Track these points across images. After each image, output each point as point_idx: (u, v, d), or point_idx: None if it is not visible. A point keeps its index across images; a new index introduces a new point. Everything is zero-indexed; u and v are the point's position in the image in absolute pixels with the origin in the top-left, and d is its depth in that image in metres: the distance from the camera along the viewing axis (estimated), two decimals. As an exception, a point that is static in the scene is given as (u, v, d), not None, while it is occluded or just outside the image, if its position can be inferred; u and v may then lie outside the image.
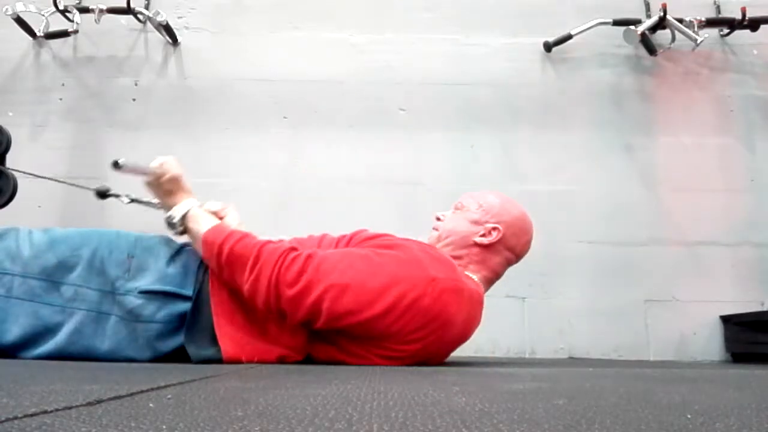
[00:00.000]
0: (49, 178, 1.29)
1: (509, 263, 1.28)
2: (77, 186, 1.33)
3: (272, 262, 1.07)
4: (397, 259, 1.10)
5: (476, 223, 1.24)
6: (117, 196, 1.24)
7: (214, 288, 1.14)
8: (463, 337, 1.18)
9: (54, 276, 1.12)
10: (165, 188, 1.21)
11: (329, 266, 1.08)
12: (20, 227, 1.20)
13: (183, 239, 1.26)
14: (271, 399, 0.51)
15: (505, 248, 1.25)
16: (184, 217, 1.19)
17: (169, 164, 1.21)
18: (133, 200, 1.27)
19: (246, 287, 1.08)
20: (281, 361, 1.13)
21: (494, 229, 1.23)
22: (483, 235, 1.23)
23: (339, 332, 1.11)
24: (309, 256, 1.08)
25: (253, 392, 0.57)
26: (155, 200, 1.26)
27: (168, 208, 1.21)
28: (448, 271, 1.11)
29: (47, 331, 1.10)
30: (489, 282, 1.26)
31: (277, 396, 0.54)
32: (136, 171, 1.19)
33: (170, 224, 1.20)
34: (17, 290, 1.11)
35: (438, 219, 1.31)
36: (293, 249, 1.10)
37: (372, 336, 1.10)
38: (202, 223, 1.17)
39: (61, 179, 1.33)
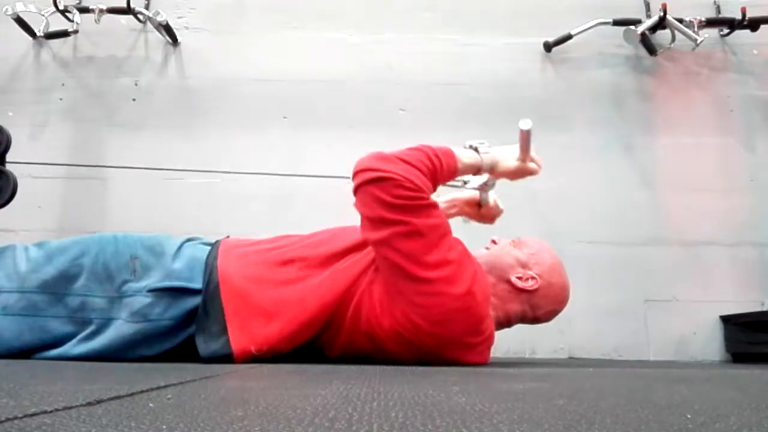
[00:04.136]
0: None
1: (524, 318, 1.26)
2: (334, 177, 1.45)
3: (406, 172, 1.08)
4: (461, 254, 1.13)
5: (521, 264, 1.23)
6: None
7: (223, 278, 1.13)
8: (451, 359, 1.16)
9: (56, 288, 1.12)
10: (509, 175, 1.25)
11: (427, 213, 1.10)
12: (17, 244, 1.20)
13: (184, 236, 1.27)
14: (271, 399, 0.51)
15: (529, 303, 1.23)
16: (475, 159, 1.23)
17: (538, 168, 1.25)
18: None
19: (376, 155, 1.11)
20: (290, 344, 1.13)
21: (533, 278, 1.22)
22: (519, 278, 1.22)
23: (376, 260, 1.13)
24: (435, 204, 1.12)
25: (253, 392, 0.57)
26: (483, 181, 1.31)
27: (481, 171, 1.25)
28: (483, 297, 1.13)
29: (55, 342, 1.10)
30: (499, 324, 1.25)
31: (277, 396, 0.54)
32: (525, 144, 1.21)
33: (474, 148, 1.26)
34: (14, 307, 1.10)
35: (493, 242, 1.31)
36: (430, 200, 1.11)
37: (390, 287, 1.11)
38: (462, 159, 1.22)
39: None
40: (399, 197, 1.07)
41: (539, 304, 1.23)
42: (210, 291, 1.12)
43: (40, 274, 1.12)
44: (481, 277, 1.15)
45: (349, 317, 1.14)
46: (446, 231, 1.13)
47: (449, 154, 1.19)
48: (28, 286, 1.11)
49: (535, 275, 1.22)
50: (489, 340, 1.19)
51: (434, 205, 1.12)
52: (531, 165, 1.23)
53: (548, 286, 1.22)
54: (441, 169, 1.15)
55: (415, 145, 1.16)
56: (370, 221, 1.11)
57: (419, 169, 1.11)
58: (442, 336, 1.10)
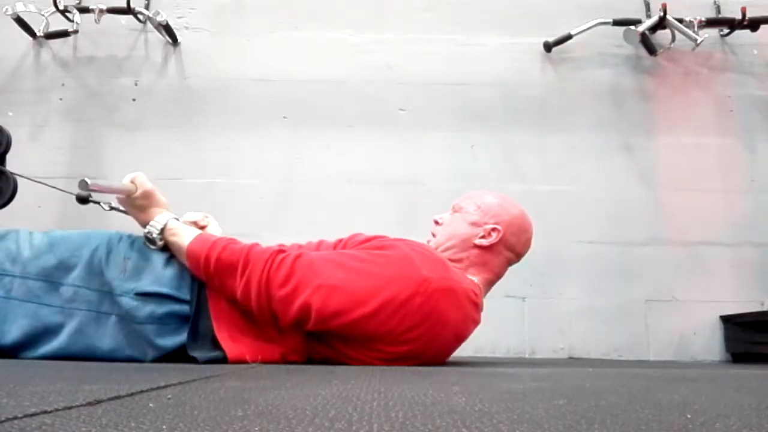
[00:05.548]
0: (26, 177, 1.29)
1: (510, 263, 1.28)
2: (58, 189, 1.32)
3: (261, 265, 1.07)
4: (388, 259, 1.10)
5: (475, 224, 1.23)
6: (97, 202, 1.22)
7: (211, 292, 1.14)
8: (458, 337, 1.17)
9: (53, 277, 1.12)
10: (138, 204, 1.19)
11: (318, 267, 1.08)
12: (20, 229, 1.20)
13: None
14: (271, 399, 0.51)
15: (506, 248, 1.24)
16: (163, 231, 1.16)
17: (141, 180, 1.20)
18: (112, 208, 1.24)
19: (238, 292, 1.09)
20: (284, 361, 1.13)
21: (494, 229, 1.22)
22: (483, 237, 1.22)
23: (332, 334, 1.11)
24: (297, 257, 1.09)
25: (253, 392, 0.57)
26: None
27: (144, 224, 1.19)
28: (440, 271, 1.11)
29: (48, 331, 1.10)
30: (490, 283, 1.26)
31: (277, 396, 0.54)
32: (106, 190, 1.17)
33: (150, 240, 1.17)
34: (17, 291, 1.11)
35: (436, 223, 1.30)
36: (281, 251, 1.10)
37: (363, 337, 1.09)
38: (183, 236, 1.15)
39: (39, 180, 1.31)
40: (278, 285, 1.06)
41: (513, 244, 1.25)
42: (200, 303, 1.12)
43: (40, 261, 1.13)
44: (411, 249, 1.13)
45: (335, 358, 1.15)
46: (336, 260, 1.11)
47: (198, 251, 1.12)
48: (29, 271, 1.12)
49: (493, 225, 1.23)
50: (477, 299, 1.18)
51: (289, 254, 1.09)
52: (125, 188, 1.19)
53: (510, 224, 1.24)
54: (218, 260, 1.10)
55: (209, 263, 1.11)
56: (294, 325, 1.11)
57: (245, 282, 1.08)
58: (435, 328, 1.09)
